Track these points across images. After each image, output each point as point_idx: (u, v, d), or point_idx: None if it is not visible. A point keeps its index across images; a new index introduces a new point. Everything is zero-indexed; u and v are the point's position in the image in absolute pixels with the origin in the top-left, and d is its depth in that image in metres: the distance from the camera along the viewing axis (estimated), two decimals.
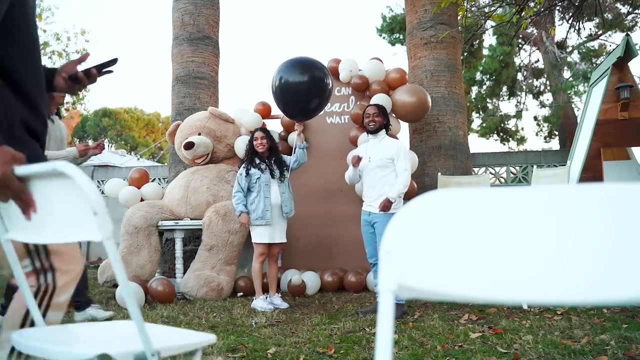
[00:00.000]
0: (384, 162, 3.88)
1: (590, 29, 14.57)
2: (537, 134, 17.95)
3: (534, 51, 15.38)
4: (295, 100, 4.26)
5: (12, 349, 1.28)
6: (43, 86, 1.43)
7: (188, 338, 1.20)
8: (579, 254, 0.57)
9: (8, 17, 1.27)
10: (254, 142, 4.45)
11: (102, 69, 1.56)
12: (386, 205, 3.76)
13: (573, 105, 14.83)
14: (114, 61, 1.54)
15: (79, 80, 1.52)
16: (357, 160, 3.99)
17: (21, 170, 1.06)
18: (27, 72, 1.34)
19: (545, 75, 15.46)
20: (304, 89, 4.17)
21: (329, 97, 4.38)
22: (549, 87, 15.55)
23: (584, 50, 15.09)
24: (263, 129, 4.68)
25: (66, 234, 1.03)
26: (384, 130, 4.02)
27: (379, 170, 3.90)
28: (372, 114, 3.99)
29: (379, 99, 5.20)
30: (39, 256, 1.39)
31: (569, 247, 0.58)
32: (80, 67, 1.59)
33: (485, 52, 15.35)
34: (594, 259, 0.56)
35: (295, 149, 4.55)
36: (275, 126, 5.97)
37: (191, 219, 5.13)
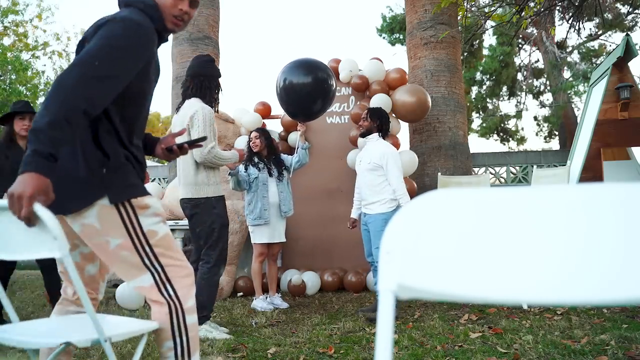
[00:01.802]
0: (371, 165, 3.90)
1: (590, 29, 14.60)
2: (537, 134, 17.98)
3: (534, 51, 15.40)
4: (299, 102, 4.26)
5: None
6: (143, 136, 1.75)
7: (135, 325, 1.44)
8: (580, 254, 0.57)
9: (134, 86, 1.54)
10: (250, 142, 4.49)
11: (192, 144, 1.91)
12: None
13: (573, 105, 14.85)
14: (203, 139, 1.91)
15: (174, 152, 1.88)
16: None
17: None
18: (139, 131, 1.67)
19: (545, 75, 15.47)
20: (307, 91, 4.18)
21: (333, 98, 4.39)
22: (549, 87, 15.57)
23: (584, 50, 15.10)
24: (260, 128, 4.69)
25: (34, 252, 1.30)
26: (375, 134, 3.99)
27: (367, 174, 3.93)
28: (362, 117, 4.06)
29: (379, 99, 5.20)
30: (155, 268, 1.50)
31: (569, 247, 0.58)
32: (178, 140, 1.98)
33: (485, 52, 15.37)
34: (595, 259, 0.56)
35: (297, 149, 4.55)
36: (275, 126, 5.98)
37: None
